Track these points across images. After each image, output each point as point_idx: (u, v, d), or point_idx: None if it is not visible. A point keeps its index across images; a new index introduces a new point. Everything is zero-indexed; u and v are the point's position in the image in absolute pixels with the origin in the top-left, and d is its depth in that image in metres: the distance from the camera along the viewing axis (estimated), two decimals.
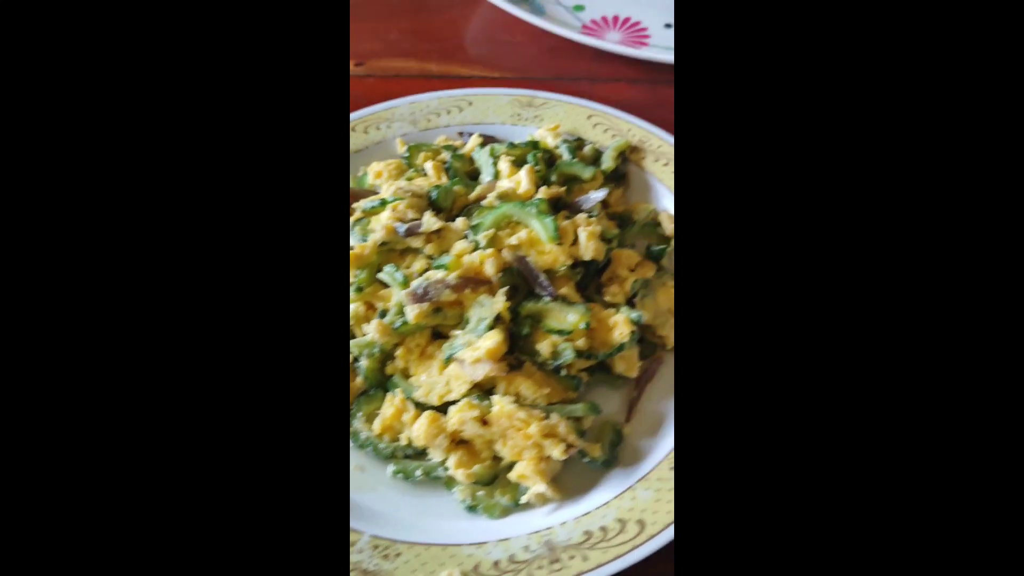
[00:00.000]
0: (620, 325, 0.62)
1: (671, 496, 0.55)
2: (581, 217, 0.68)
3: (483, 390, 0.60)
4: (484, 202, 0.69)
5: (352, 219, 0.69)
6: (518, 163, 0.74)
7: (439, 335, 0.64)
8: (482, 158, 0.76)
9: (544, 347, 0.61)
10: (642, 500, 0.55)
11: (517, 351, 0.62)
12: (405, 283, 0.63)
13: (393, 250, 0.67)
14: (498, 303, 0.61)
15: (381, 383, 0.63)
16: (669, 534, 0.53)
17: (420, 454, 0.60)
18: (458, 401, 0.59)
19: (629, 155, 0.78)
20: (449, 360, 0.60)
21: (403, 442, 0.60)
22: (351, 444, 0.61)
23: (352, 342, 0.63)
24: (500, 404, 0.57)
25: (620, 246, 0.70)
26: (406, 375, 0.63)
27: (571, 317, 0.62)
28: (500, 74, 0.95)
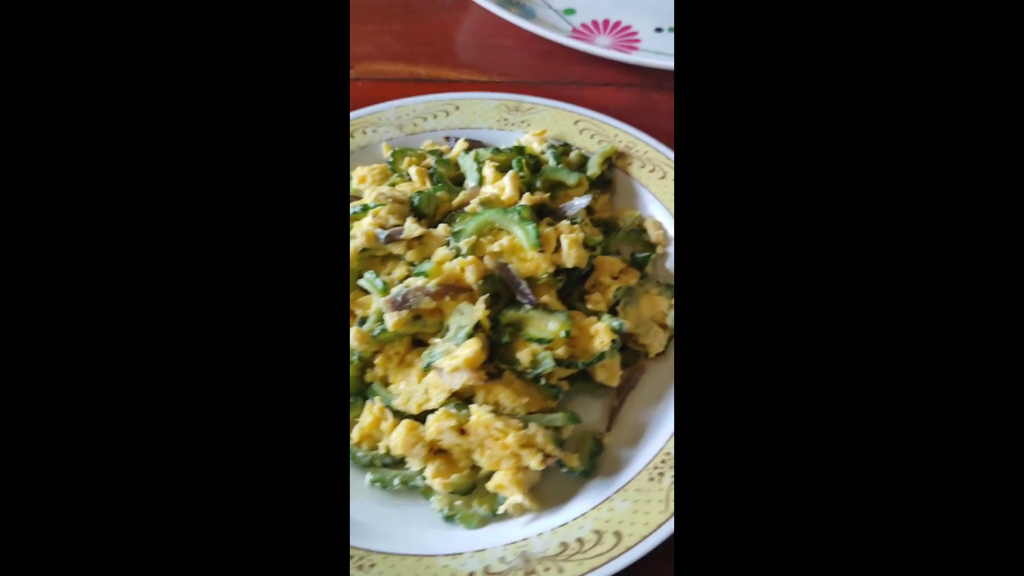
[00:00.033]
0: (601, 333, 0.62)
1: (649, 507, 0.54)
2: (564, 224, 0.67)
3: (462, 399, 0.60)
4: (467, 208, 0.69)
5: None
6: (502, 169, 0.73)
7: (419, 343, 0.63)
8: (467, 163, 0.75)
9: (524, 355, 0.60)
10: (619, 511, 0.54)
11: (497, 359, 0.61)
12: (385, 290, 0.62)
13: (374, 256, 0.66)
14: (478, 311, 0.60)
15: (360, 391, 0.63)
16: (646, 546, 0.52)
17: (398, 463, 0.60)
18: (436, 410, 0.59)
19: (615, 161, 0.77)
20: (428, 368, 0.60)
21: (381, 451, 0.60)
22: None
23: None
24: (478, 413, 0.57)
25: (604, 253, 0.70)
26: (385, 383, 0.63)
27: (551, 325, 0.61)
28: (489, 78, 0.94)
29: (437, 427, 0.57)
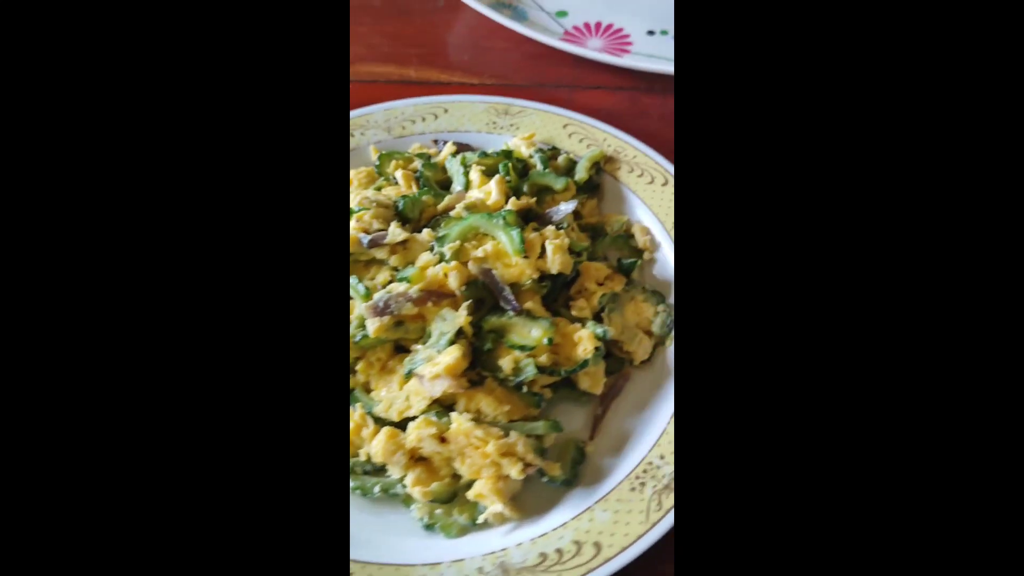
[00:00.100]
0: (584, 340, 0.61)
1: (630, 518, 0.53)
2: (550, 229, 0.66)
3: (444, 406, 0.59)
4: (452, 213, 0.68)
5: None
6: (489, 173, 0.73)
7: (402, 349, 0.63)
8: (453, 167, 0.74)
9: (506, 363, 0.60)
10: (600, 522, 0.54)
11: (479, 366, 0.61)
12: (367, 295, 0.62)
13: (357, 261, 0.66)
14: (460, 317, 0.60)
15: None
16: (625, 557, 0.51)
17: (379, 470, 0.59)
18: (417, 417, 0.58)
19: (604, 165, 0.77)
20: (409, 375, 0.59)
21: (362, 458, 0.59)
22: None
23: None
24: (458, 421, 0.56)
25: (591, 258, 0.69)
26: (367, 389, 0.62)
27: (534, 332, 0.61)
28: (480, 80, 0.94)
29: (417, 435, 0.57)
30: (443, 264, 0.63)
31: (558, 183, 0.72)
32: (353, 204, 0.68)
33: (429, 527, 0.57)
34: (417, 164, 0.76)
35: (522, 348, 0.60)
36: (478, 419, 0.58)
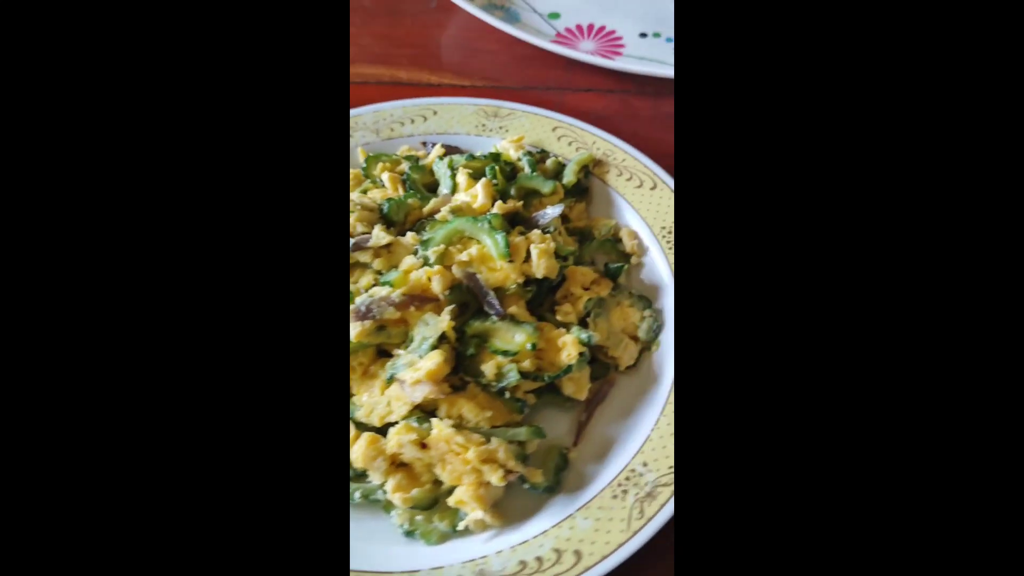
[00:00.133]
0: (569, 346, 0.60)
1: (611, 526, 0.53)
2: (535, 234, 0.66)
3: (425, 412, 0.59)
4: (438, 216, 0.68)
5: None
6: (476, 176, 0.72)
7: (384, 353, 0.62)
8: (440, 170, 0.74)
9: (489, 368, 0.59)
10: (581, 530, 0.53)
11: (462, 372, 0.60)
12: (350, 299, 0.61)
13: None
14: (442, 322, 0.59)
15: None
16: (605, 566, 0.51)
17: (359, 476, 0.58)
18: (398, 423, 0.58)
19: (593, 169, 0.76)
20: (391, 380, 0.59)
21: None
22: None
23: None
24: (439, 427, 0.56)
25: (578, 263, 0.69)
26: (349, 394, 0.61)
27: (518, 337, 0.60)
28: (470, 82, 0.93)
29: (398, 440, 0.56)
30: (426, 268, 0.62)
31: (546, 186, 0.72)
32: None
33: (409, 534, 0.56)
34: (404, 166, 0.75)
35: (505, 353, 0.59)
36: (460, 425, 0.57)
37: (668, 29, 0.96)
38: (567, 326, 0.63)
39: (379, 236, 0.64)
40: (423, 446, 0.57)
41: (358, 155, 0.79)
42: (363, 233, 0.65)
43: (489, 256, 0.64)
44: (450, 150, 0.79)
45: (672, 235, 0.69)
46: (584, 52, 0.91)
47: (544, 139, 0.79)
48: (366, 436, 0.57)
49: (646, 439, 0.57)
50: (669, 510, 0.53)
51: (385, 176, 0.73)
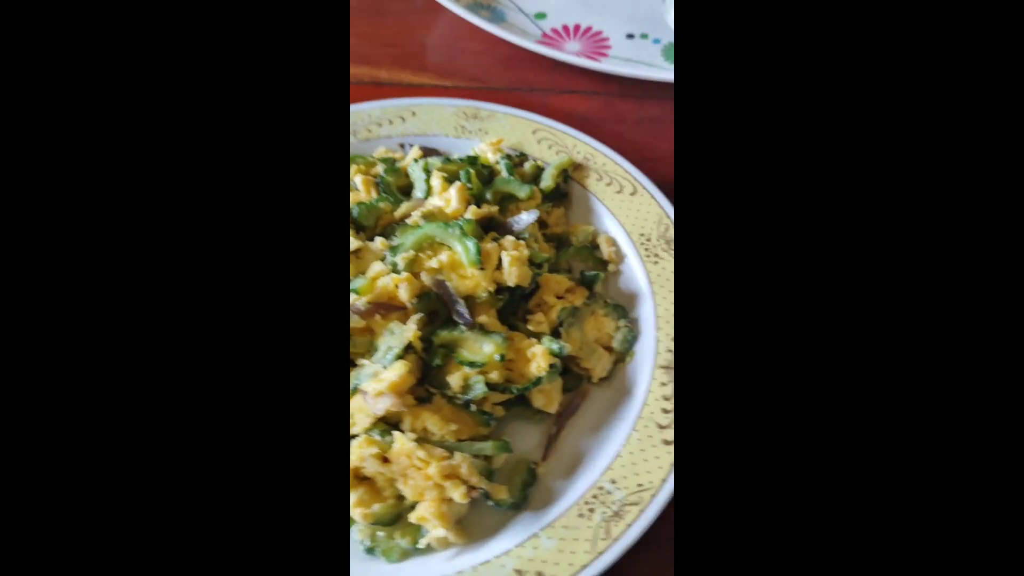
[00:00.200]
0: (539, 357, 0.58)
1: (575, 547, 0.51)
2: (509, 240, 0.64)
3: (389, 424, 0.57)
4: (409, 221, 0.66)
5: None
6: (451, 179, 0.70)
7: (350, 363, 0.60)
8: (415, 173, 0.72)
9: (455, 379, 0.57)
10: (544, 550, 0.51)
11: (427, 383, 0.58)
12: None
13: None
14: (408, 331, 0.57)
15: None
16: None
17: None
18: (360, 435, 0.56)
19: (572, 173, 0.74)
20: (354, 391, 0.57)
21: None
22: None
23: None
24: (400, 441, 0.54)
25: (555, 270, 0.67)
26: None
27: (486, 348, 0.58)
28: (453, 83, 0.91)
29: (359, 454, 0.54)
30: (394, 275, 0.60)
31: (522, 191, 0.70)
32: None
33: (370, 551, 0.54)
34: (379, 169, 0.73)
35: (472, 364, 0.57)
36: (424, 438, 0.55)
37: (655, 30, 0.94)
38: (539, 336, 0.61)
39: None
40: (385, 460, 0.55)
41: None
42: None
43: (460, 263, 0.62)
44: (428, 152, 0.77)
45: (650, 242, 0.67)
46: (569, 53, 0.89)
47: (524, 142, 0.77)
48: None
49: (615, 456, 0.55)
50: (636, 531, 0.51)
51: (358, 179, 0.71)
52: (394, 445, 0.54)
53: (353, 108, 0.81)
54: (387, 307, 0.59)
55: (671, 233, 0.67)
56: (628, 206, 0.70)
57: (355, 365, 0.59)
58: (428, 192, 0.70)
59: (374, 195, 0.70)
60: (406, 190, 0.73)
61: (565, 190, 0.74)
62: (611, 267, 0.68)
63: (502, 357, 0.57)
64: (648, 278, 0.65)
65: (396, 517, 0.55)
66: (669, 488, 0.53)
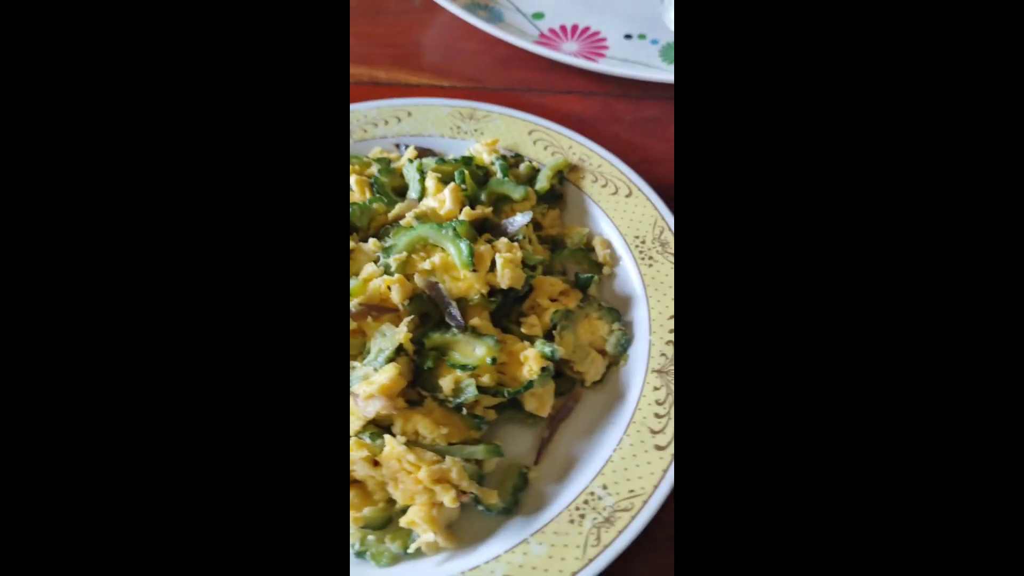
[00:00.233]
0: (531, 360, 0.58)
1: (565, 553, 0.50)
2: (502, 242, 0.63)
3: (380, 427, 0.56)
4: (403, 222, 0.65)
5: None
6: (446, 180, 0.70)
7: None
8: (410, 173, 0.71)
9: (447, 383, 0.57)
10: (534, 556, 0.51)
11: (419, 386, 0.58)
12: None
13: None
14: (399, 333, 0.57)
15: None
16: None
17: None
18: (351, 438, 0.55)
19: (567, 174, 0.74)
20: None
21: None
22: None
23: None
24: (391, 445, 0.53)
25: (549, 272, 0.66)
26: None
27: (478, 351, 0.58)
28: (450, 83, 0.91)
29: (350, 457, 0.54)
30: (386, 277, 0.60)
31: (517, 192, 0.69)
32: None
33: (360, 554, 0.54)
34: (374, 169, 0.73)
35: (464, 367, 0.57)
36: (415, 442, 0.55)
37: (653, 31, 0.93)
38: (532, 339, 0.61)
39: None
40: (376, 463, 0.54)
41: None
42: None
43: (453, 265, 0.61)
44: (423, 152, 0.76)
45: (644, 245, 0.66)
46: (567, 53, 0.88)
47: (520, 142, 0.77)
48: None
49: (607, 461, 0.55)
50: (626, 537, 0.50)
51: (352, 180, 0.71)
52: (384, 449, 0.54)
53: (350, 108, 0.81)
54: (379, 309, 0.59)
55: (666, 236, 0.66)
56: (623, 208, 0.69)
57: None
58: (422, 193, 0.70)
59: (368, 196, 0.70)
60: (401, 191, 0.72)
61: (560, 191, 0.73)
62: (606, 270, 0.67)
63: (494, 360, 0.57)
64: (642, 281, 0.64)
65: (386, 521, 0.55)
66: (661, 494, 0.52)
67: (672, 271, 0.64)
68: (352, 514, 0.54)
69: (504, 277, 0.61)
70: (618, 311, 0.64)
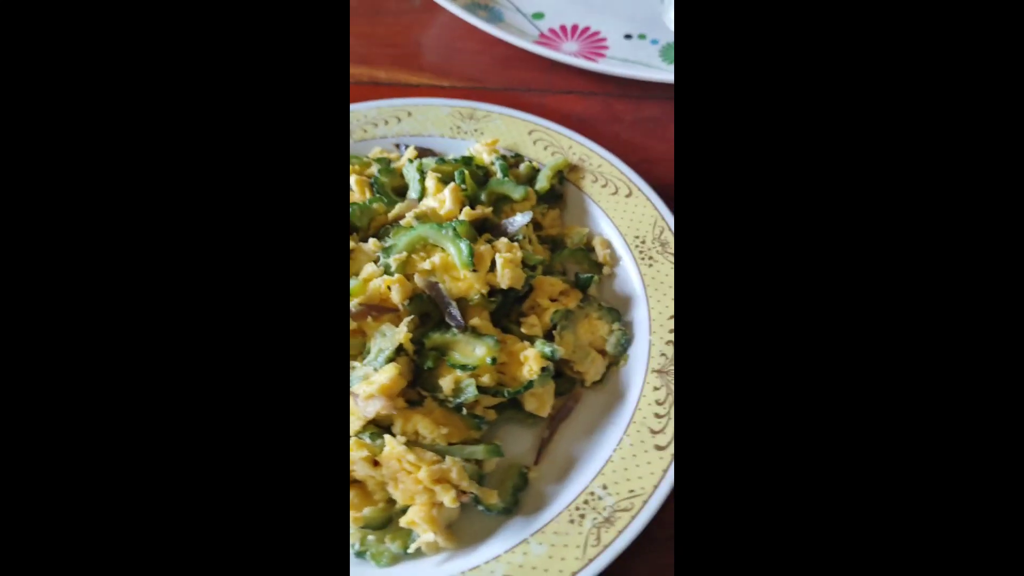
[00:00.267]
0: (531, 360, 0.58)
1: (565, 553, 0.50)
2: (502, 242, 0.63)
3: (380, 427, 0.56)
4: (403, 222, 0.65)
5: None
6: (446, 180, 0.70)
7: None
8: (410, 173, 0.71)
9: (447, 383, 0.57)
10: (534, 556, 0.51)
11: (419, 386, 0.58)
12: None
13: None
14: (399, 333, 0.57)
15: None
16: None
17: None
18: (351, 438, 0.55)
19: (567, 174, 0.74)
20: None
21: None
22: None
23: None
24: (391, 445, 0.53)
25: (549, 272, 0.66)
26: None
27: (478, 350, 0.58)
28: (450, 83, 0.91)
29: (350, 457, 0.54)
30: (386, 277, 0.60)
31: (517, 192, 0.69)
32: None
33: (360, 554, 0.54)
34: (374, 169, 0.73)
35: (464, 367, 0.57)
36: (415, 442, 0.55)
37: (654, 31, 0.93)
38: (532, 339, 0.61)
39: None
40: (376, 463, 0.54)
41: None
42: None
43: (453, 265, 0.61)
44: (423, 152, 0.76)
45: (644, 245, 0.66)
46: (567, 53, 0.88)
47: (520, 142, 0.77)
48: None
49: (607, 461, 0.55)
50: (626, 538, 0.50)
51: (352, 180, 0.71)
52: (384, 449, 0.54)
53: (350, 108, 0.81)
54: (379, 309, 0.59)
55: (666, 236, 0.66)
56: (623, 208, 0.69)
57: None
58: (422, 193, 0.70)
59: (368, 196, 0.70)
60: (401, 191, 0.72)
61: (560, 191, 0.73)
62: (606, 270, 0.67)
63: (494, 360, 0.57)
64: (642, 281, 0.64)
65: (386, 521, 0.55)
66: (661, 494, 0.52)
67: (672, 271, 0.64)
68: (352, 514, 0.54)
69: (504, 277, 0.61)
70: (618, 311, 0.64)
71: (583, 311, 0.63)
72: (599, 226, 0.70)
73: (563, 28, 0.94)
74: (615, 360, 0.62)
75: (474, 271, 0.60)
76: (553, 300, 0.64)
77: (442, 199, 0.67)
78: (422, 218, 0.65)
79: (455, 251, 0.61)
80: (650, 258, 0.66)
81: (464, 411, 0.57)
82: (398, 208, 0.67)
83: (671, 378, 0.58)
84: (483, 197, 0.69)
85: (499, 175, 0.71)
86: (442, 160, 0.72)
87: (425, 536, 0.53)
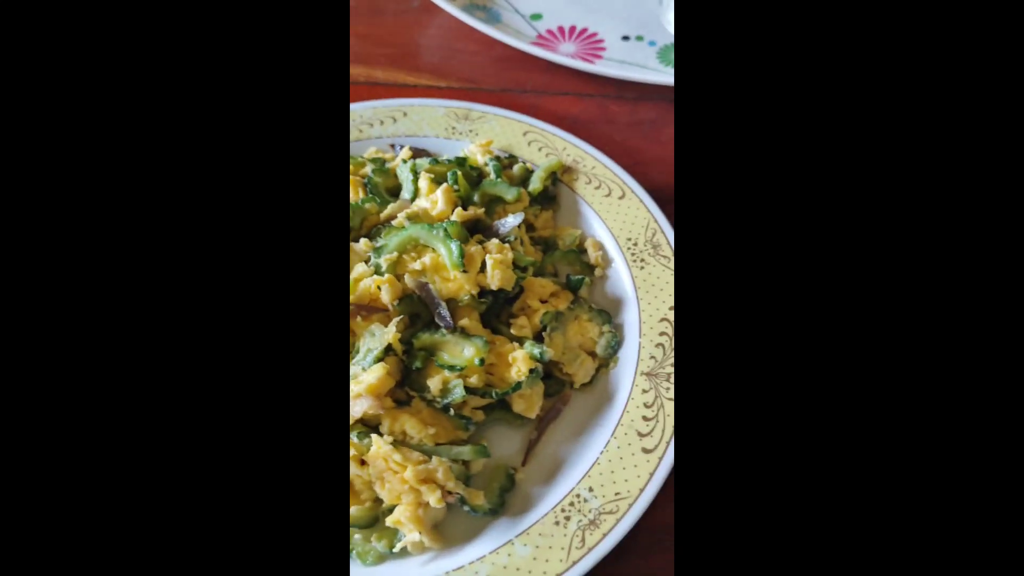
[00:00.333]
0: (519, 362, 0.58)
1: (550, 555, 0.50)
2: (493, 243, 0.63)
3: (368, 426, 0.56)
4: (394, 222, 0.65)
5: None
6: (439, 181, 0.70)
7: None
8: (403, 174, 0.72)
9: (435, 383, 0.57)
10: (518, 557, 0.51)
11: (407, 386, 0.58)
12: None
13: None
14: (388, 333, 0.57)
15: None
16: None
17: None
18: None
19: (561, 176, 0.73)
20: None
21: None
22: None
23: None
24: (377, 444, 0.53)
25: (540, 273, 0.66)
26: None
27: (467, 351, 0.58)
28: (447, 83, 0.91)
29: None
30: (376, 276, 0.60)
31: (509, 193, 0.69)
32: None
33: None
34: (368, 169, 0.73)
35: (452, 368, 0.57)
36: (402, 442, 0.55)
37: (651, 32, 0.93)
38: (522, 340, 0.61)
39: None
40: (363, 462, 0.55)
41: None
42: None
43: (443, 265, 0.61)
44: (418, 153, 0.77)
45: (636, 247, 0.66)
46: (564, 55, 0.88)
47: (514, 143, 0.77)
48: None
49: (593, 463, 0.54)
50: (611, 540, 0.50)
51: None
52: (371, 448, 0.54)
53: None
54: (369, 309, 0.59)
55: (658, 238, 0.66)
56: (616, 210, 0.69)
57: None
58: (415, 193, 0.70)
59: (361, 196, 0.70)
60: (395, 191, 0.73)
61: (553, 193, 0.73)
62: (598, 271, 0.67)
63: (482, 361, 0.57)
64: (634, 283, 0.64)
65: (373, 520, 0.55)
66: (647, 497, 0.52)
67: (664, 274, 0.64)
68: None
69: (494, 278, 0.61)
70: (609, 313, 0.64)
71: (573, 313, 0.63)
72: (592, 228, 0.70)
73: (561, 29, 0.94)
74: (605, 362, 0.62)
75: (464, 272, 0.60)
76: (544, 302, 0.64)
77: (435, 200, 0.67)
78: (414, 218, 0.65)
79: (445, 252, 0.61)
80: (642, 260, 0.65)
81: (452, 412, 0.57)
82: (390, 208, 0.67)
83: (660, 381, 0.58)
84: (476, 198, 0.69)
85: (492, 176, 0.71)
86: (436, 161, 0.72)
87: (411, 536, 0.53)
